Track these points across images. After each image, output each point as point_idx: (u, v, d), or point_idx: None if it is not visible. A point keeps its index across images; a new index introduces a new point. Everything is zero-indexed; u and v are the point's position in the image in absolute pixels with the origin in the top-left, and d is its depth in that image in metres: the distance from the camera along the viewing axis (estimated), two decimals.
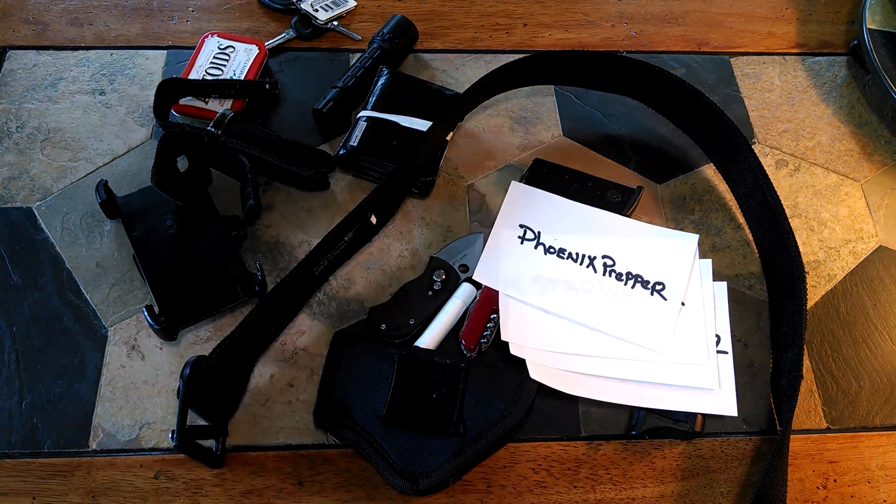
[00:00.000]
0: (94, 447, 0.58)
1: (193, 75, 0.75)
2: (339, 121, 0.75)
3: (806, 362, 0.65)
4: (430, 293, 0.64)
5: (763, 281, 0.69)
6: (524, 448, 0.60)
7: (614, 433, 0.61)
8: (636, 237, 0.68)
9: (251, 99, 0.75)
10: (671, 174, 0.75)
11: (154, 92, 0.70)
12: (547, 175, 0.72)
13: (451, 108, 0.69)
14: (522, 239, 0.68)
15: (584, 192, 0.71)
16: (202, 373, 0.53)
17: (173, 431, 0.51)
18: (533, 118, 0.78)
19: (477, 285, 0.65)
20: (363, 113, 0.73)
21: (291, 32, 0.82)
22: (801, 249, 0.64)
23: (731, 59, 0.85)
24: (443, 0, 0.87)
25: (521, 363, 0.60)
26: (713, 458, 0.60)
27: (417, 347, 0.61)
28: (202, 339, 0.63)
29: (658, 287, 0.65)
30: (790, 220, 0.66)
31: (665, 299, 0.64)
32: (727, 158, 0.72)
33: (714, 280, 0.67)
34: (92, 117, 0.74)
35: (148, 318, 0.60)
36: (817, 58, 0.86)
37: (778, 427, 0.62)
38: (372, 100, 0.74)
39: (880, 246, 0.72)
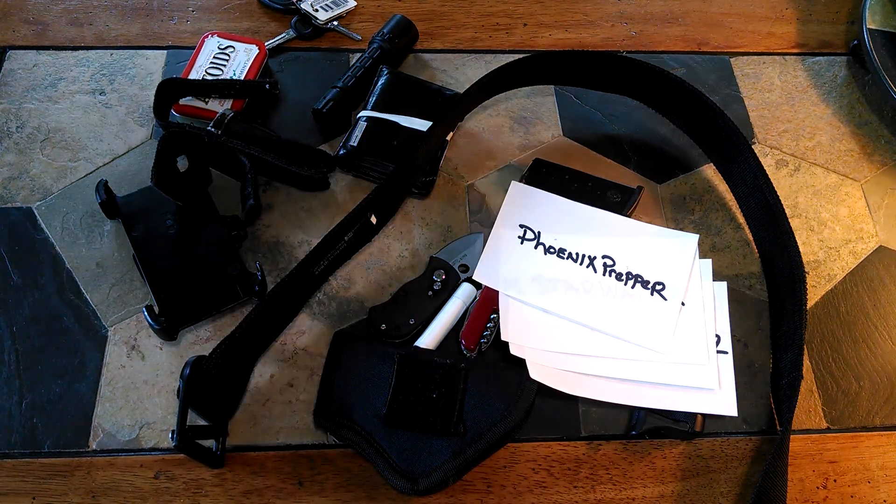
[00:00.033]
0: (94, 447, 0.58)
1: (193, 75, 0.75)
2: (339, 121, 0.75)
3: (806, 362, 0.65)
4: (430, 293, 0.64)
5: (763, 281, 0.69)
6: (524, 448, 0.60)
7: (614, 433, 0.61)
8: (636, 237, 0.68)
9: (251, 99, 0.75)
10: (671, 174, 0.75)
11: (154, 92, 0.70)
12: (547, 175, 0.72)
13: (451, 108, 0.69)
14: (522, 239, 0.68)
15: (584, 192, 0.71)
16: (202, 373, 0.53)
17: (173, 431, 0.51)
18: (533, 118, 0.78)
19: (477, 285, 0.65)
20: (363, 113, 0.73)
21: (291, 32, 0.82)
22: (801, 249, 0.64)
23: (731, 59, 0.85)
24: (443, 0, 0.87)
25: (521, 363, 0.60)
26: (713, 458, 0.60)
27: (417, 347, 0.61)
28: (202, 339, 0.63)
29: (658, 287, 0.65)
30: (790, 220, 0.66)
31: (665, 299, 0.64)
32: (727, 158, 0.72)
33: (714, 280, 0.67)
34: (92, 117, 0.74)
35: (148, 318, 0.60)
36: (817, 58, 0.86)
37: (778, 427, 0.62)
38: (372, 100, 0.74)
39: (880, 246, 0.72)
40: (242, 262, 0.64)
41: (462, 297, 0.64)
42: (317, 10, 0.82)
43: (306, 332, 0.64)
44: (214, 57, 0.76)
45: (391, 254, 0.68)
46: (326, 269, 0.64)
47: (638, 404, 0.60)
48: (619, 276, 0.66)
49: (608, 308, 0.64)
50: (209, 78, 0.74)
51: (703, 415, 0.60)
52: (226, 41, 0.77)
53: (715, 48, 0.85)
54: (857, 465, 0.61)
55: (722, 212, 0.73)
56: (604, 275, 0.66)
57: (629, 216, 0.70)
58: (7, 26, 0.80)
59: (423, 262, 0.68)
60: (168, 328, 0.60)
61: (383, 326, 0.62)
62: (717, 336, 0.64)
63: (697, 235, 0.68)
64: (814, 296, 0.69)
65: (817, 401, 0.64)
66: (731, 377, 0.62)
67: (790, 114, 0.81)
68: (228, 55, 0.76)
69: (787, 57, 0.85)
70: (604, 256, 0.67)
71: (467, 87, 0.70)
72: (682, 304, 0.65)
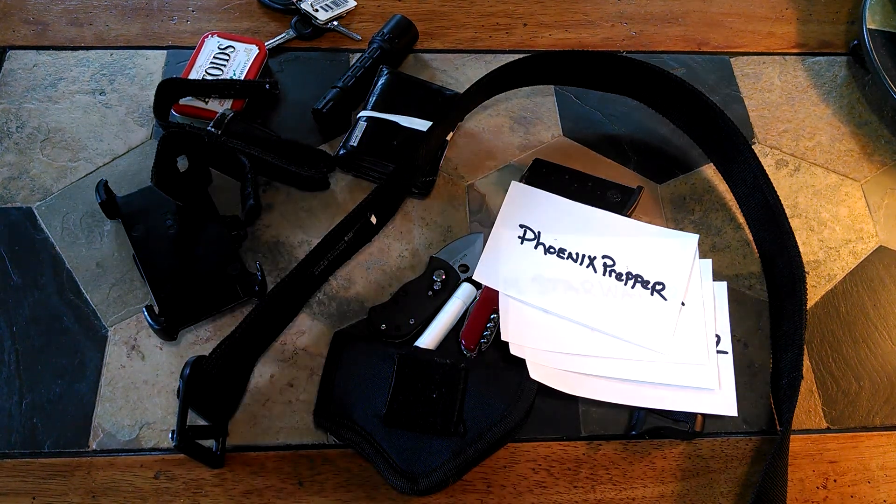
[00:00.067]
0: (94, 447, 0.58)
1: (193, 75, 0.75)
2: (339, 121, 0.75)
3: (806, 362, 0.65)
4: (430, 293, 0.64)
5: (763, 281, 0.69)
6: (524, 448, 0.60)
7: (614, 433, 0.61)
8: (636, 237, 0.68)
9: (251, 99, 0.75)
10: (671, 174, 0.75)
11: (154, 92, 0.70)
12: (547, 175, 0.72)
13: (451, 108, 0.69)
14: (522, 239, 0.68)
15: (584, 192, 0.71)
16: (202, 373, 0.53)
17: (173, 431, 0.51)
18: (533, 118, 0.78)
19: (477, 285, 0.65)
20: (363, 113, 0.73)
21: (291, 32, 0.82)
22: (801, 249, 0.64)
23: (731, 59, 0.85)
24: (443, 0, 0.87)
25: (521, 363, 0.60)
26: (713, 458, 0.60)
27: (417, 347, 0.61)
28: (202, 339, 0.63)
29: (658, 287, 0.65)
30: (790, 220, 0.66)
31: (665, 299, 0.64)
32: (727, 158, 0.72)
33: (714, 280, 0.67)
34: (92, 117, 0.74)
35: (148, 318, 0.60)
36: (817, 58, 0.86)
37: (778, 427, 0.62)
38: (372, 100, 0.74)
39: (880, 246, 0.72)
40: (242, 262, 0.64)
41: (462, 297, 0.64)
42: (317, 10, 0.82)
43: (306, 332, 0.64)
44: (214, 57, 0.76)
45: (391, 254, 0.68)
46: (326, 269, 0.64)
47: (638, 404, 0.60)
48: (619, 276, 0.66)
49: (608, 308, 0.64)
50: (209, 78, 0.74)
51: (703, 415, 0.60)
52: (226, 41, 0.77)
53: (715, 48, 0.85)
54: (857, 465, 0.61)
55: (722, 212, 0.73)
56: (604, 275, 0.66)
57: (629, 216, 0.70)
58: (7, 26, 0.80)
59: (423, 262, 0.68)
60: (168, 328, 0.60)
61: (383, 326, 0.62)
62: (717, 336, 0.64)
63: (697, 235, 0.68)
64: (814, 296, 0.69)
65: (817, 401, 0.64)
66: (731, 377, 0.62)
67: (790, 114, 0.81)
68: (228, 55, 0.76)
69: (787, 57, 0.85)
70: (604, 256, 0.67)
71: (467, 87, 0.70)
72: (682, 304, 0.65)
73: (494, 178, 0.74)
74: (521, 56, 0.72)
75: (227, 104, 0.73)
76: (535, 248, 0.68)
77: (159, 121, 0.71)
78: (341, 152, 0.71)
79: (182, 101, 0.73)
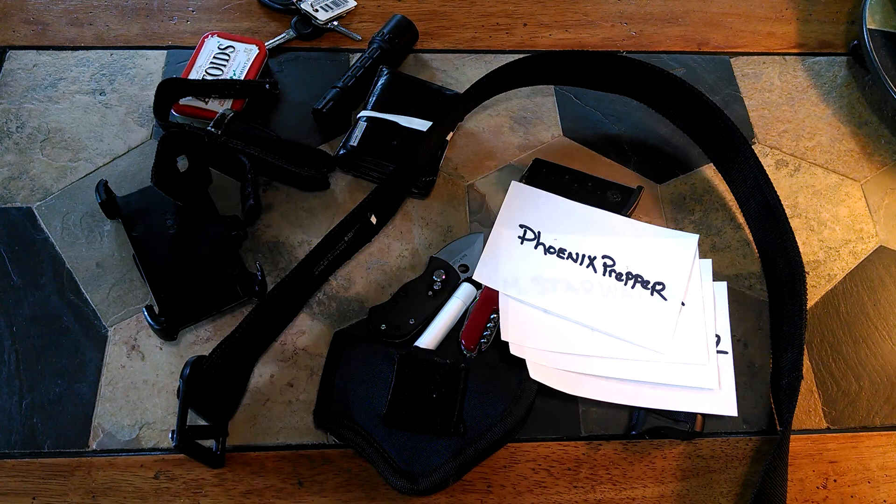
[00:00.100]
0: (94, 447, 0.58)
1: (193, 75, 0.75)
2: (339, 121, 0.75)
3: (806, 362, 0.65)
4: (430, 293, 0.64)
5: (763, 281, 0.69)
6: (524, 448, 0.60)
7: (614, 433, 0.61)
8: (636, 237, 0.68)
9: (251, 99, 0.75)
10: (671, 174, 0.75)
11: (154, 92, 0.70)
12: (547, 175, 0.72)
13: (450, 109, 0.69)
14: (522, 239, 0.68)
15: (584, 192, 0.71)
16: (202, 373, 0.53)
17: (173, 431, 0.51)
18: (533, 118, 0.78)
19: (477, 285, 0.65)
20: (363, 113, 0.73)
21: (291, 32, 0.82)
22: (801, 249, 0.64)
23: (731, 59, 0.85)
24: (443, 0, 0.87)
25: (521, 363, 0.60)
26: (713, 458, 0.60)
27: (417, 347, 0.61)
28: (202, 339, 0.63)
29: (658, 287, 0.65)
30: (790, 220, 0.66)
31: (665, 299, 0.64)
32: (727, 158, 0.72)
33: (714, 280, 0.67)
34: (92, 117, 0.74)
35: (148, 318, 0.60)
36: (817, 58, 0.86)
37: (778, 427, 0.62)
38: (372, 100, 0.74)
39: (880, 246, 0.72)
40: (242, 262, 0.64)
41: (462, 297, 0.64)
42: (317, 10, 0.82)
43: (306, 332, 0.64)
44: (214, 57, 0.76)
45: (391, 254, 0.68)
46: (326, 269, 0.64)
47: (638, 404, 0.60)
48: (619, 276, 0.66)
49: (608, 308, 0.64)
50: (209, 78, 0.74)
51: (703, 415, 0.60)
52: (226, 41, 0.77)
53: (715, 48, 0.85)
54: (857, 465, 0.61)
55: (722, 212, 0.73)
56: (604, 275, 0.66)
57: (629, 216, 0.70)
58: (7, 26, 0.80)
59: (423, 262, 0.68)
60: (168, 328, 0.60)
61: (383, 326, 0.62)
62: (717, 336, 0.64)
63: (697, 235, 0.68)
64: (814, 296, 0.69)
65: (817, 401, 0.64)
66: (731, 377, 0.62)
67: (790, 114, 0.81)
68: (228, 55, 0.76)
69: (787, 57, 0.85)
70: (604, 256, 0.67)
71: (467, 87, 0.70)
72: (682, 304, 0.65)
73: (494, 178, 0.74)
74: (521, 56, 0.72)
75: (227, 104, 0.73)
76: (535, 248, 0.68)
77: (159, 121, 0.71)
78: (341, 152, 0.71)
79: (182, 101, 0.73)
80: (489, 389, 0.58)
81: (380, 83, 0.75)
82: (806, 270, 0.68)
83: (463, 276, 0.66)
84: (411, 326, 0.63)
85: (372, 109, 0.73)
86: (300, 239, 0.68)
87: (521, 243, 0.68)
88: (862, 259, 0.71)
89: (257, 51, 0.77)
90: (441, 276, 0.65)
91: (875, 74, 0.79)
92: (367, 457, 0.56)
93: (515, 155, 0.75)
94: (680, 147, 0.77)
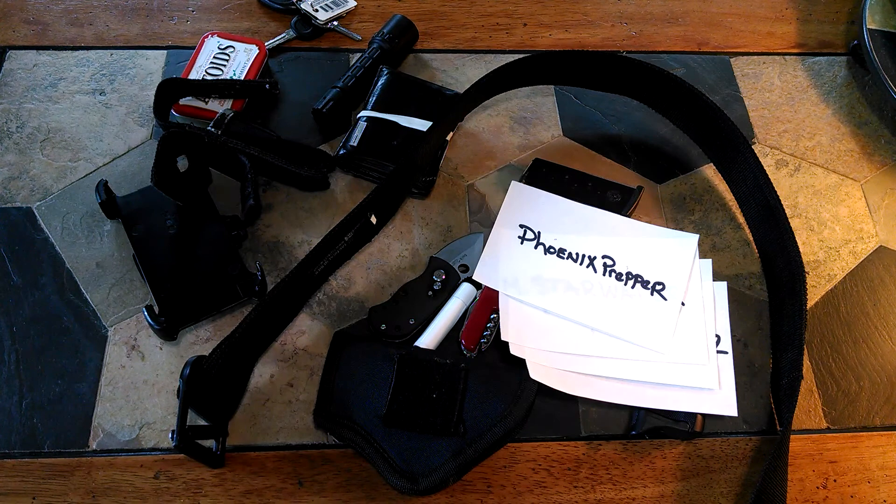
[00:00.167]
0: (94, 447, 0.58)
1: (193, 75, 0.75)
2: (339, 121, 0.75)
3: (806, 362, 0.65)
4: (430, 293, 0.64)
5: (763, 281, 0.69)
6: (524, 448, 0.60)
7: (614, 433, 0.61)
8: (636, 237, 0.68)
9: (251, 99, 0.75)
10: (671, 174, 0.75)
11: (154, 92, 0.70)
12: (547, 175, 0.72)
13: (450, 109, 0.69)
14: (522, 239, 0.68)
15: (584, 192, 0.71)
16: (202, 373, 0.53)
17: (173, 431, 0.51)
18: (533, 118, 0.78)
19: (477, 285, 0.65)
20: (363, 113, 0.73)
21: (291, 32, 0.82)
22: (801, 249, 0.64)
23: (731, 59, 0.85)
24: (443, 0, 0.87)
25: (521, 363, 0.60)
26: (713, 458, 0.60)
27: (417, 347, 0.61)
28: (202, 339, 0.63)
29: (658, 287, 0.65)
30: (790, 220, 0.66)
31: (665, 299, 0.64)
32: (727, 158, 0.72)
33: (714, 280, 0.67)
34: (92, 117, 0.74)
35: (148, 318, 0.60)
36: (817, 58, 0.86)
37: (778, 427, 0.62)
38: (372, 100, 0.74)
39: (880, 246, 0.72)
40: (242, 262, 0.64)
41: (462, 297, 0.64)
42: (317, 10, 0.82)
43: (306, 332, 0.64)
44: (214, 57, 0.76)
45: (391, 254, 0.68)
46: (326, 269, 0.64)
47: (638, 404, 0.60)
48: (619, 276, 0.66)
49: (608, 308, 0.64)
50: (209, 78, 0.74)
51: (703, 415, 0.60)
52: (226, 41, 0.77)
53: (715, 48, 0.85)
54: (857, 465, 0.61)
55: (722, 212, 0.73)
56: (604, 275, 0.66)
57: (629, 216, 0.70)
58: (7, 26, 0.80)
59: (423, 262, 0.68)
60: (168, 328, 0.60)
61: (383, 326, 0.62)
62: (717, 336, 0.64)
63: (697, 235, 0.68)
64: (814, 296, 0.69)
65: (817, 401, 0.64)
66: (731, 377, 0.62)
67: (790, 114, 0.81)
68: (228, 55, 0.76)
69: (787, 57, 0.85)
70: (604, 256, 0.67)
71: (467, 87, 0.70)
72: (682, 304, 0.65)
73: (494, 178, 0.74)
74: (521, 56, 0.72)
75: (227, 104, 0.73)
76: (535, 248, 0.68)
77: (159, 121, 0.71)
78: (341, 152, 0.71)
79: (182, 101, 0.73)
80: (489, 389, 0.58)
81: (380, 83, 0.75)
82: (806, 270, 0.68)
83: (463, 276, 0.66)
84: (411, 326, 0.63)
85: (372, 109, 0.73)
86: (300, 239, 0.68)
87: (521, 243, 0.68)
88: (862, 259, 0.71)
89: (257, 51, 0.77)
90: (441, 276, 0.65)
91: (875, 74, 0.79)
92: (367, 457, 0.56)
93: (515, 155, 0.75)
94: (680, 147, 0.77)
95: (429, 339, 0.62)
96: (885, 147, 0.79)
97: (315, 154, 0.71)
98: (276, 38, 0.81)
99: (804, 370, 0.64)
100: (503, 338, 0.62)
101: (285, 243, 0.68)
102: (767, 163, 0.77)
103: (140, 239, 0.65)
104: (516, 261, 0.67)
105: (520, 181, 0.72)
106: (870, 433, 0.62)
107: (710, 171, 0.75)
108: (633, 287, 0.65)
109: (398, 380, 0.58)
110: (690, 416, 0.59)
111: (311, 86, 0.78)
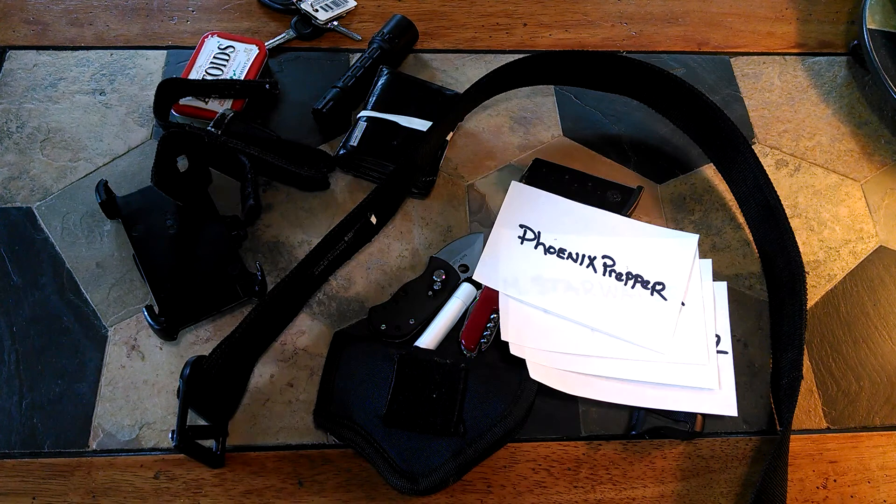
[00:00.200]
0: (94, 447, 0.58)
1: (193, 75, 0.75)
2: (339, 121, 0.75)
3: (806, 362, 0.65)
4: (430, 293, 0.64)
5: (763, 281, 0.69)
6: (524, 448, 0.60)
7: (614, 433, 0.61)
8: (636, 237, 0.68)
9: (251, 99, 0.75)
10: (671, 174, 0.75)
11: (154, 92, 0.70)
12: (547, 175, 0.72)
13: (450, 109, 0.69)
14: (522, 239, 0.68)
15: (584, 192, 0.71)
16: (202, 373, 0.53)
17: (173, 431, 0.51)
18: (533, 118, 0.78)
19: (477, 285, 0.65)
20: (363, 113, 0.73)
21: (291, 32, 0.82)
22: (801, 249, 0.64)
23: (731, 59, 0.85)
24: (443, 0, 0.87)
25: (521, 363, 0.60)
26: (713, 458, 0.60)
27: (417, 347, 0.61)
28: (202, 339, 0.63)
29: (658, 287, 0.65)
30: (790, 220, 0.66)
31: (665, 299, 0.64)
32: (727, 158, 0.72)
33: (714, 280, 0.67)
34: (92, 117, 0.74)
35: (148, 318, 0.60)
36: (817, 58, 0.86)
37: (778, 427, 0.62)
38: (372, 100, 0.74)
39: (880, 246, 0.72)
40: (242, 262, 0.64)
41: (462, 297, 0.64)
42: (317, 10, 0.82)
43: (306, 332, 0.64)
44: (214, 57, 0.76)
45: (391, 254, 0.68)
46: (326, 269, 0.64)
47: (638, 404, 0.60)
48: (619, 276, 0.66)
49: (608, 308, 0.64)
50: (209, 78, 0.74)
51: (703, 415, 0.60)
52: (226, 41, 0.77)
53: (715, 48, 0.85)
54: (857, 465, 0.61)
55: (722, 212, 0.73)
56: (604, 275, 0.66)
57: (629, 216, 0.70)
58: (7, 26, 0.80)
59: (423, 262, 0.68)
60: (168, 328, 0.60)
61: (383, 326, 0.62)
62: (717, 336, 0.64)
63: (697, 235, 0.68)
64: (814, 296, 0.69)
65: (817, 401, 0.64)
66: (731, 377, 0.62)
67: (790, 114, 0.81)
68: (228, 55, 0.76)
69: (787, 57, 0.85)
70: (604, 256, 0.67)
71: (467, 87, 0.70)
72: (682, 304, 0.65)
73: (494, 178, 0.74)
74: (521, 56, 0.72)
75: (227, 104, 0.73)
76: (535, 248, 0.68)
77: (159, 121, 0.71)
78: (341, 152, 0.71)
79: (182, 101, 0.73)
80: (489, 389, 0.58)
81: (380, 83, 0.75)
82: (806, 270, 0.68)
83: (463, 276, 0.66)
84: (411, 326, 0.63)
85: (372, 109, 0.73)
86: (300, 239, 0.68)
87: (521, 243, 0.68)
88: (862, 259, 0.71)
89: (257, 51, 0.77)
90: (441, 276, 0.65)
91: (875, 74, 0.79)
92: (367, 457, 0.56)
93: (515, 155, 0.75)
94: (680, 147, 0.77)
95: (429, 339, 0.62)
96: (885, 147, 0.79)
97: (315, 154, 0.71)
98: (276, 38, 0.81)
99: (804, 370, 0.64)
100: (503, 338, 0.62)
101: (285, 243, 0.68)
102: (767, 163, 0.77)
103: (140, 239, 0.65)
104: (516, 261, 0.67)
105: (520, 181, 0.72)
106: (870, 433, 0.62)
107: (710, 171, 0.75)
108: (633, 287, 0.65)
109: (398, 380, 0.58)
110: (690, 416, 0.59)
111: (311, 86, 0.78)
